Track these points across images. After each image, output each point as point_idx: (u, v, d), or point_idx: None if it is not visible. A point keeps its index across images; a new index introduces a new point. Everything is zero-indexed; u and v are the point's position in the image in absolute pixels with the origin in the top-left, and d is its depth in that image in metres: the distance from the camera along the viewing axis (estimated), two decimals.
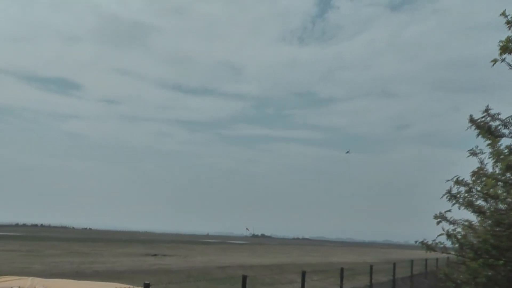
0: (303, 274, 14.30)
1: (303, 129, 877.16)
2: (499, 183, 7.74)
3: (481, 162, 8.05)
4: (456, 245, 8.11)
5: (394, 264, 23.51)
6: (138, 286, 7.11)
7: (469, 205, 7.96)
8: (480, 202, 8.08)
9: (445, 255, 9.07)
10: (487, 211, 7.99)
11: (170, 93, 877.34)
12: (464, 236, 8.22)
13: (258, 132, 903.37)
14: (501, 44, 7.01)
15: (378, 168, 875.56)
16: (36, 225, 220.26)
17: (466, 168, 8.21)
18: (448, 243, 8.18)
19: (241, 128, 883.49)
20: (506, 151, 7.70)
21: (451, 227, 8.08)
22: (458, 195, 7.98)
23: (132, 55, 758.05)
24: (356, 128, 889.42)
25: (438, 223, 7.98)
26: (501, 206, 7.87)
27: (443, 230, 7.92)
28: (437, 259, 28.90)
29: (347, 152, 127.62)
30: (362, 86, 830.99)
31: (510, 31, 7.06)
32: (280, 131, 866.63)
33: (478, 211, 8.04)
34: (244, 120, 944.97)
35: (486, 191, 7.70)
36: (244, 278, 10.94)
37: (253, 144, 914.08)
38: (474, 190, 7.97)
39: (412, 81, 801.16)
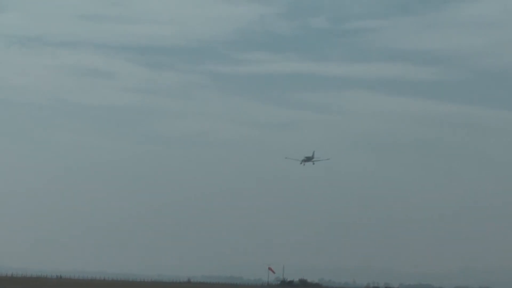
0: None
1: (393, 62, 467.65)
2: None
3: None
4: None
5: None
6: None
7: None
8: None
9: None
10: None
11: None
12: None
13: (294, 66, 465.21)
14: None
15: None
16: None
17: None
18: None
19: (259, 58, 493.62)
20: None
21: None
22: None
23: None
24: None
25: None
26: None
27: None
28: None
29: (306, 160, 75.65)
30: None
31: None
32: (343, 66, 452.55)
33: None
34: (264, 42, 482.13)
35: None
36: None
37: (283, 93, 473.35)
38: None
39: None
